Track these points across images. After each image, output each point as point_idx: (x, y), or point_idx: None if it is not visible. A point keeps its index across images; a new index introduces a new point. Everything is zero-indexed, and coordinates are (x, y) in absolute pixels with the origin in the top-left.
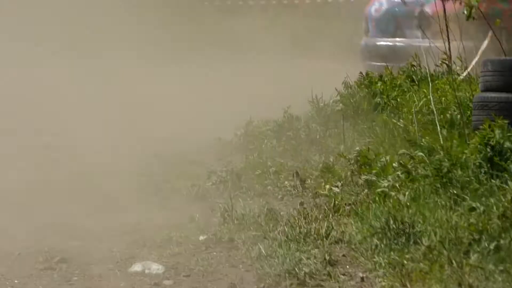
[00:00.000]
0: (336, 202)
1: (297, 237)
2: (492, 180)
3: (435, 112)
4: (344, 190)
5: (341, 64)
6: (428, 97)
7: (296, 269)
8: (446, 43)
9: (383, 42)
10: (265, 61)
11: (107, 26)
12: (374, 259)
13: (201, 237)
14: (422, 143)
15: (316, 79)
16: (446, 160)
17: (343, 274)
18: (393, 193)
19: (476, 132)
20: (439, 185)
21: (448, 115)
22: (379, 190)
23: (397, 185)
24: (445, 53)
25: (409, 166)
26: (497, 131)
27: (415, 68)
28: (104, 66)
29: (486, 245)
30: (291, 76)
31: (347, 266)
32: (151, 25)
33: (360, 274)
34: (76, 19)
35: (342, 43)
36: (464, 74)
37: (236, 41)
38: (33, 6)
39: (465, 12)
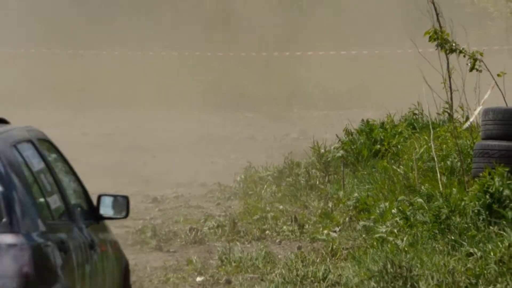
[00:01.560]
0: (334, 246)
1: (294, 279)
2: (490, 227)
3: (435, 159)
4: (342, 235)
5: None
6: (429, 144)
7: None
8: (449, 93)
9: None
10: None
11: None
12: None
13: (199, 279)
14: (421, 190)
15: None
16: (445, 206)
17: None
18: (391, 238)
19: (476, 179)
20: (437, 231)
21: (448, 162)
22: (377, 235)
23: (395, 230)
24: (447, 102)
25: (408, 212)
26: (496, 179)
27: (417, 116)
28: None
29: None
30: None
31: None
32: None
33: None
34: None
35: None
36: (467, 124)
37: None
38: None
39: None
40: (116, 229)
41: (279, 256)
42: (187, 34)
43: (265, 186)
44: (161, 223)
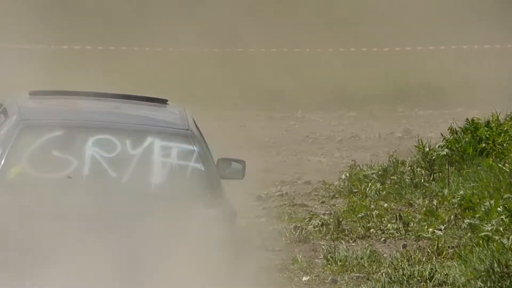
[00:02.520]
0: (439, 245)
1: (401, 278)
2: None
3: None
4: (447, 233)
5: None
6: None
7: None
8: None
9: None
10: None
11: None
12: None
13: (304, 278)
14: None
15: None
16: None
17: None
18: (496, 237)
19: None
20: None
21: None
22: (482, 233)
23: (501, 229)
24: None
25: None
26: None
27: None
28: None
29: None
30: None
31: None
32: None
33: None
34: None
35: None
36: None
37: None
38: None
39: None
40: None
41: (384, 255)
42: (289, 31)
43: (370, 184)
44: (265, 221)
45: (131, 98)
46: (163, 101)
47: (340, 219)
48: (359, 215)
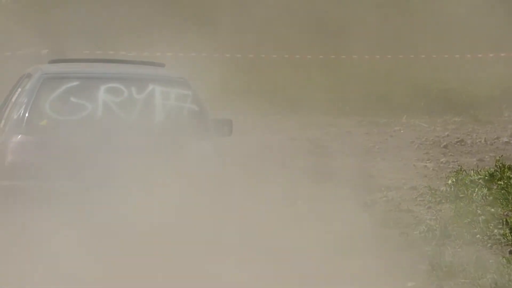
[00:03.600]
0: None
1: (507, 285)
2: None
3: None
4: None
5: None
6: None
7: None
8: None
9: None
10: None
11: None
12: None
13: (409, 284)
14: None
15: None
16: None
17: None
18: None
19: None
20: None
21: None
22: None
23: None
24: None
25: None
26: None
27: None
28: None
29: None
30: None
31: None
32: None
33: None
34: None
35: None
36: None
37: None
38: None
39: None
40: (326, 234)
41: (490, 261)
42: (393, 37)
43: (476, 189)
44: (371, 227)
45: (135, 62)
46: (161, 65)
47: (446, 225)
48: (465, 221)
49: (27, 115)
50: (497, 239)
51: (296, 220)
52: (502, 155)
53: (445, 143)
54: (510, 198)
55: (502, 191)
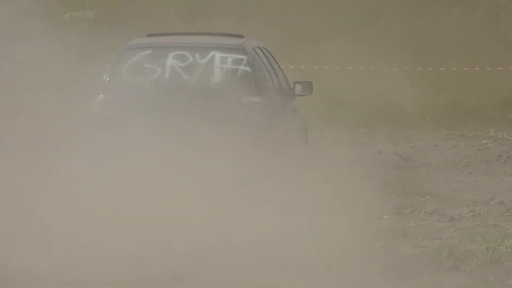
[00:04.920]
0: None
1: None
2: None
3: None
4: None
5: None
6: None
7: None
8: None
9: None
10: None
11: None
12: None
13: None
14: None
15: None
16: None
17: None
18: None
19: None
20: None
21: None
22: None
23: None
24: None
25: None
26: None
27: None
28: None
29: None
30: None
31: None
32: None
33: None
34: None
35: None
36: None
37: None
38: None
39: None
40: (413, 249)
41: None
42: (480, 50)
43: None
44: (457, 242)
45: (215, 34)
46: (239, 36)
47: None
48: None
49: (107, 79)
50: None
51: (380, 236)
52: None
53: None
54: None
55: None
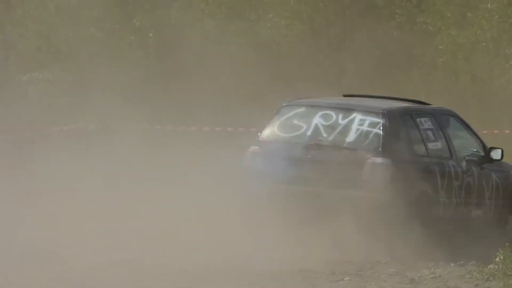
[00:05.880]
0: None
1: None
2: None
3: None
4: None
5: None
6: None
7: None
8: None
9: None
10: None
11: None
12: None
13: None
14: None
15: None
16: None
17: None
18: None
19: None
20: None
21: None
22: None
23: None
24: None
25: None
26: None
27: None
28: None
29: None
30: None
31: None
32: None
33: None
34: None
35: None
36: None
37: None
38: None
39: None
40: None
41: None
42: None
43: None
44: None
45: (396, 99)
46: (426, 103)
47: None
48: None
49: (263, 131)
50: None
51: None
52: None
53: None
54: None
55: None
